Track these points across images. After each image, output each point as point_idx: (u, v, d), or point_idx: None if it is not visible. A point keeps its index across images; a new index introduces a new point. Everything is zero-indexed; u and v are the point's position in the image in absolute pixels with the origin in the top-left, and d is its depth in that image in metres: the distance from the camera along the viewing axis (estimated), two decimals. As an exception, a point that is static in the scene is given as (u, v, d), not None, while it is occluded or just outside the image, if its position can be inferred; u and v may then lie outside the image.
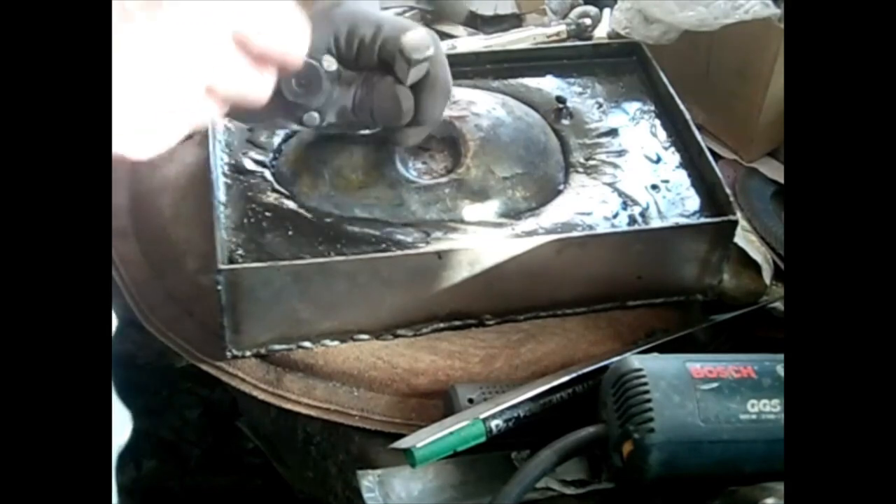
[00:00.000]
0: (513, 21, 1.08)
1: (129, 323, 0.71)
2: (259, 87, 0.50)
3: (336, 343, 0.68)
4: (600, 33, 1.03)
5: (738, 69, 0.85)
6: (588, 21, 1.02)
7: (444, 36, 1.04)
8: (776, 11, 0.80)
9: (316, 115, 0.66)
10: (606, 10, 1.01)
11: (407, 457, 0.57)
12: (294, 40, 0.51)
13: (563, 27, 1.02)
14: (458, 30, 1.06)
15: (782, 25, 0.80)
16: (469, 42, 1.00)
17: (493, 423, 0.60)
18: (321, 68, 0.63)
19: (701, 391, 0.56)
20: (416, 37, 0.63)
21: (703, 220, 0.72)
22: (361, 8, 0.65)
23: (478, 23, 1.08)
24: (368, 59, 0.64)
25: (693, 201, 0.73)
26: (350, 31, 0.64)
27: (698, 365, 0.58)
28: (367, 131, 0.71)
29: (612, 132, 0.79)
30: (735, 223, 0.70)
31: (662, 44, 0.86)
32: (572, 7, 1.05)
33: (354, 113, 0.66)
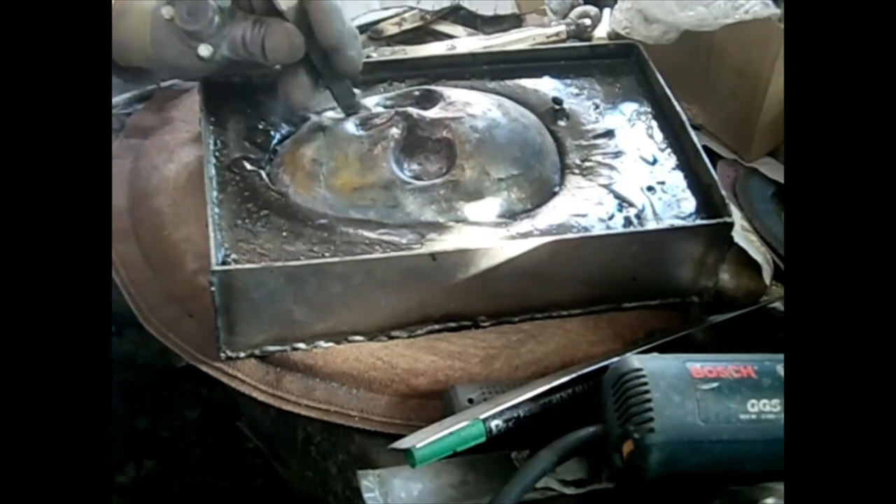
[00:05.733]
0: (513, 21, 1.08)
1: (129, 323, 0.71)
2: None
3: (331, 344, 0.68)
4: (600, 33, 1.02)
5: (738, 69, 0.85)
6: (588, 21, 1.02)
7: (444, 36, 1.04)
8: (776, 11, 0.80)
9: (210, 47, 0.69)
10: (606, 10, 1.01)
11: (407, 457, 0.57)
12: None
13: (562, 27, 1.02)
14: (458, 30, 1.06)
15: (782, 25, 0.80)
16: (468, 42, 1.00)
17: (493, 424, 0.60)
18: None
19: (701, 391, 0.56)
20: None
21: (698, 222, 0.71)
22: None
23: (477, 23, 1.08)
24: (259, 2, 0.69)
25: (689, 203, 0.73)
26: None
27: (698, 365, 0.58)
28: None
29: (609, 134, 0.79)
30: (730, 225, 0.70)
31: (662, 44, 0.86)
32: (572, 7, 1.05)
33: (245, 47, 0.69)
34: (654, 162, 0.77)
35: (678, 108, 0.79)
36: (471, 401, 0.63)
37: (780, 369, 0.58)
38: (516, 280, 0.68)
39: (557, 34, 1.02)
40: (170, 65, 0.72)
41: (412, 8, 1.06)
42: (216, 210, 0.68)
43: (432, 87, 0.80)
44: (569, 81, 0.84)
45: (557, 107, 0.80)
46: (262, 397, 0.67)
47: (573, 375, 0.64)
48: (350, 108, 0.76)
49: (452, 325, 0.70)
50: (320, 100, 0.77)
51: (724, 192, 0.71)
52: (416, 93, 0.79)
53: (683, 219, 0.72)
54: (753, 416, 0.56)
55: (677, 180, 0.75)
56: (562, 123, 0.80)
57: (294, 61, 0.70)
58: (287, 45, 0.68)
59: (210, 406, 1.03)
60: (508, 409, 0.61)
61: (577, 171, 0.76)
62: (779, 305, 0.75)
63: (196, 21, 0.67)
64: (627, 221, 0.72)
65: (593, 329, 0.71)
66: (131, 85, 0.89)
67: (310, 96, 0.74)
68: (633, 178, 0.75)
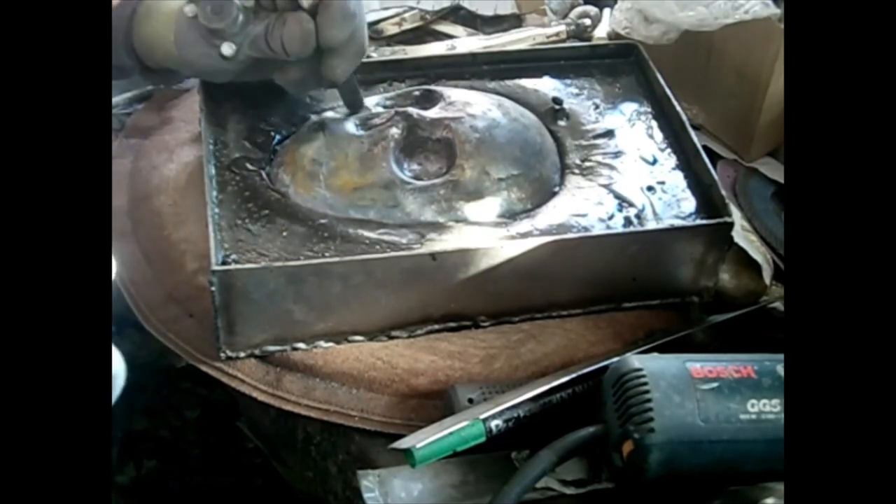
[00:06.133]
0: (513, 21, 1.08)
1: (129, 323, 0.71)
2: None
3: (331, 344, 0.68)
4: (600, 33, 1.03)
5: (738, 69, 0.85)
6: (588, 21, 1.02)
7: (444, 36, 1.04)
8: (776, 11, 0.80)
9: (233, 46, 0.68)
10: (606, 10, 1.01)
11: (407, 457, 0.57)
12: None
13: (562, 27, 1.02)
14: (458, 30, 1.06)
15: (782, 25, 0.80)
16: (468, 42, 1.00)
17: (493, 424, 0.60)
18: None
19: (701, 391, 0.56)
20: None
21: (698, 222, 0.72)
22: None
23: (477, 23, 1.08)
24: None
25: (689, 203, 0.73)
26: None
27: (698, 365, 0.58)
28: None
29: (609, 133, 0.79)
30: (730, 225, 0.70)
31: (662, 44, 0.86)
32: (572, 7, 1.05)
33: (267, 43, 0.68)
34: (654, 162, 0.77)
35: (678, 108, 0.79)
36: (471, 401, 0.63)
37: (780, 369, 0.58)
38: (516, 280, 0.68)
39: (557, 34, 1.02)
40: (193, 64, 0.71)
41: (412, 8, 1.06)
42: (216, 210, 0.68)
43: (432, 87, 0.80)
44: (569, 81, 0.84)
45: (557, 107, 0.80)
46: (262, 397, 0.67)
47: (573, 375, 0.64)
48: (353, 106, 0.75)
49: (452, 325, 0.70)
50: (325, 97, 0.77)
51: (724, 192, 0.71)
52: (416, 93, 0.79)
53: (683, 219, 0.72)
54: (753, 416, 0.56)
55: (677, 180, 0.75)
56: (562, 123, 0.80)
57: (308, 53, 0.68)
58: (299, 34, 0.67)
59: (210, 406, 1.03)
60: (508, 409, 0.61)
61: (577, 171, 0.76)
62: (779, 305, 0.75)
63: (220, 18, 0.66)
64: (627, 221, 0.72)
65: (593, 329, 0.71)
66: (131, 85, 0.89)
67: (297, 87, 0.73)
68: (633, 178, 0.75)
